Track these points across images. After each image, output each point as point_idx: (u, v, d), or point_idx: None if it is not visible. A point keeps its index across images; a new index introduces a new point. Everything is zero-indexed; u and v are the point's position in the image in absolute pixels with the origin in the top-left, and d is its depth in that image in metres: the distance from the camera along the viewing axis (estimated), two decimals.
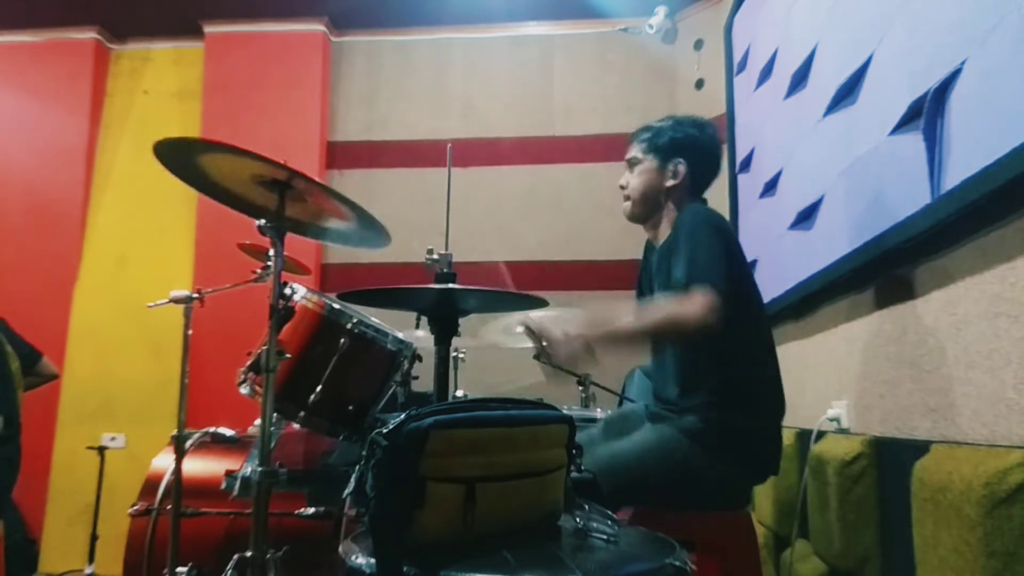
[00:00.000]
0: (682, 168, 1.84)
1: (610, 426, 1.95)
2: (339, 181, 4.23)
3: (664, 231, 1.89)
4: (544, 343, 1.65)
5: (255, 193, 1.54)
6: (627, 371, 2.91)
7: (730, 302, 1.58)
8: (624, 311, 1.69)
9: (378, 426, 1.02)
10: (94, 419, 4.01)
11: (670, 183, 1.85)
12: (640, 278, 2.02)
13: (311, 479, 2.04)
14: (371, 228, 1.67)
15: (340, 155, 4.29)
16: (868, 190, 1.82)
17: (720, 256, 1.65)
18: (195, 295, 2.09)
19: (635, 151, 1.91)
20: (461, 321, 1.79)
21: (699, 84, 3.98)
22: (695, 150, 1.85)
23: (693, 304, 1.55)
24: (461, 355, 2.77)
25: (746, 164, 3.25)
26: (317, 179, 1.49)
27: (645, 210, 1.90)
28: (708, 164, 1.89)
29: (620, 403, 2.71)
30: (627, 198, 1.92)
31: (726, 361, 1.70)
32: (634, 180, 1.90)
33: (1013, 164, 1.13)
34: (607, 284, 3.90)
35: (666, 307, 1.61)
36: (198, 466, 2.04)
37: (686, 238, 1.68)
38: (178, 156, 1.49)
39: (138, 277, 4.16)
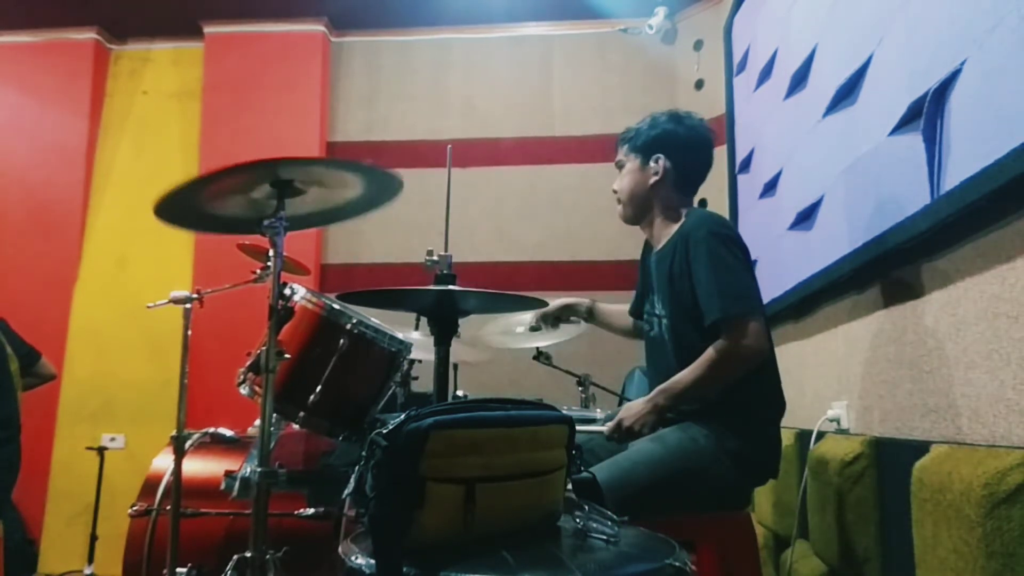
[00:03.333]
0: (663, 163, 1.85)
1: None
2: None
3: (660, 231, 1.89)
4: (621, 432, 1.70)
5: (259, 207, 1.53)
6: (627, 371, 2.91)
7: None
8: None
9: (378, 426, 1.02)
10: (94, 419, 4.01)
11: (653, 179, 1.86)
12: (640, 279, 2.03)
13: (311, 480, 2.04)
14: (379, 182, 1.59)
15: (340, 155, 4.28)
16: (868, 190, 1.82)
17: (745, 276, 1.68)
18: (195, 295, 2.09)
19: (620, 154, 1.94)
20: (461, 322, 1.79)
21: (699, 84, 3.98)
22: (672, 144, 1.86)
23: (743, 339, 1.60)
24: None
25: (746, 164, 3.25)
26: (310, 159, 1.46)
27: (636, 210, 1.92)
28: (691, 156, 1.88)
29: (620, 403, 2.71)
30: (619, 201, 1.95)
31: None
32: (622, 182, 1.93)
33: (1013, 164, 1.13)
34: (607, 284, 3.90)
35: (713, 355, 1.62)
36: (198, 466, 2.03)
37: (706, 262, 1.66)
38: (178, 208, 1.50)
39: (138, 277, 4.16)
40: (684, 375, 1.66)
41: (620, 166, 1.94)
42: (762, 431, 1.72)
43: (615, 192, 1.96)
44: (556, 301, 2.17)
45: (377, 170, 1.52)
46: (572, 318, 2.21)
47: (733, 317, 1.61)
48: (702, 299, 1.66)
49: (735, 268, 1.67)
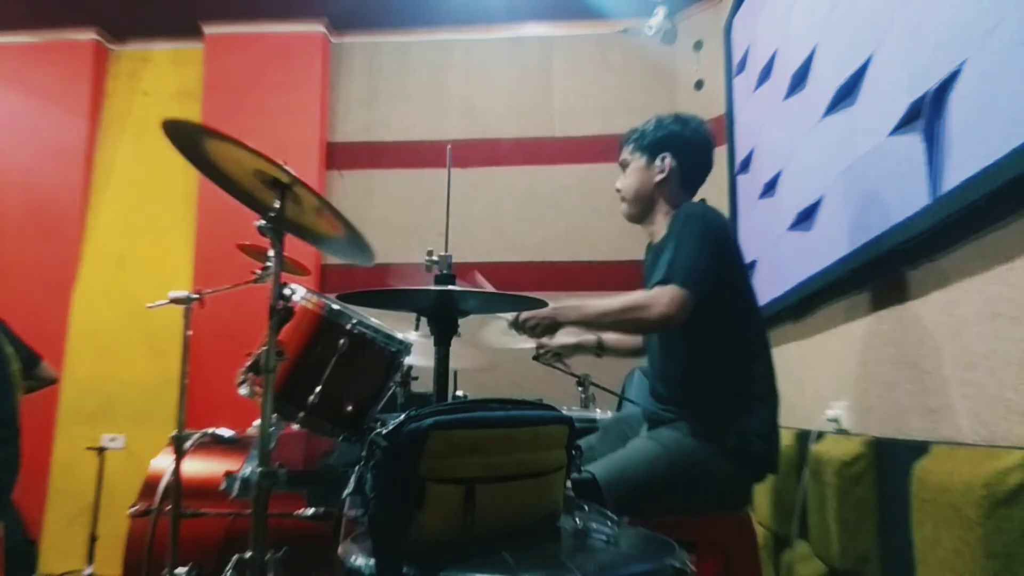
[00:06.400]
0: (668, 161, 1.89)
1: (607, 433, 1.95)
2: (339, 181, 4.23)
3: (660, 229, 1.91)
4: (518, 321, 1.79)
5: (257, 187, 1.55)
6: (627, 372, 2.91)
7: (713, 303, 1.65)
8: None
9: (378, 427, 1.02)
10: (94, 420, 4.00)
11: (659, 178, 1.91)
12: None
13: (311, 480, 2.04)
14: (357, 244, 1.68)
15: (340, 156, 4.29)
16: (867, 191, 1.82)
17: (703, 256, 1.69)
18: (195, 296, 2.09)
19: (625, 153, 1.99)
20: (460, 322, 1.79)
21: (699, 85, 3.98)
22: (679, 143, 1.91)
23: (658, 298, 1.63)
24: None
25: (745, 165, 3.25)
26: (315, 183, 1.49)
27: (639, 208, 1.95)
28: (695, 156, 1.93)
29: (620, 404, 2.72)
30: (623, 199, 1.98)
31: (721, 360, 1.72)
32: (626, 181, 1.97)
33: (1013, 164, 1.13)
34: (606, 284, 3.90)
35: (632, 296, 1.68)
36: (197, 467, 2.03)
37: (675, 236, 1.72)
38: (186, 139, 1.51)
39: (138, 278, 4.16)
40: (597, 301, 1.74)
41: (624, 165, 1.98)
42: (758, 426, 1.72)
43: (618, 191, 1.99)
44: (561, 339, 2.21)
45: (358, 236, 1.59)
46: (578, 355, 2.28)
47: (666, 281, 1.65)
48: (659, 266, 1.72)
49: (696, 246, 1.69)
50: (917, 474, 1.36)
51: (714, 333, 1.70)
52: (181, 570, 1.84)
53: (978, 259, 1.31)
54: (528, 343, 2.58)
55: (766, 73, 2.85)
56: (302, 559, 1.58)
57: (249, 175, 1.52)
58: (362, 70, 4.38)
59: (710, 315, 1.68)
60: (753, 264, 2.91)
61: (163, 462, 2.06)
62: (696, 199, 1.99)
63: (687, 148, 1.91)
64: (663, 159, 1.90)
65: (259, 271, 1.77)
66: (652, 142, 1.92)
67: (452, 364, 1.69)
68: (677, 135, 1.91)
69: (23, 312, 3.53)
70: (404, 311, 1.89)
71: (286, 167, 1.42)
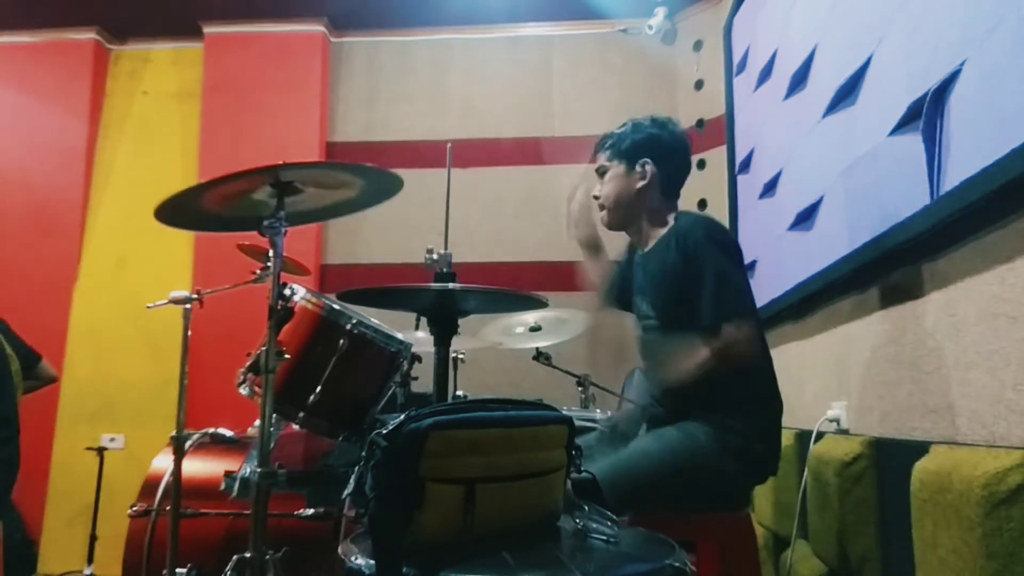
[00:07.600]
0: (649, 168, 1.84)
1: (607, 433, 1.95)
2: None
3: (649, 234, 1.88)
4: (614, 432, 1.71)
5: (258, 207, 1.54)
6: (627, 372, 2.91)
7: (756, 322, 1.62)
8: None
9: (377, 427, 1.02)
10: (93, 420, 4.00)
11: (640, 184, 1.85)
12: (618, 274, 2.02)
13: (311, 480, 2.04)
14: (378, 181, 1.61)
15: (340, 155, 4.29)
16: (867, 191, 1.82)
17: (738, 279, 1.68)
18: (194, 296, 2.08)
19: (602, 159, 1.92)
20: (461, 321, 1.80)
21: (698, 85, 3.98)
22: (658, 148, 1.85)
23: (726, 341, 1.59)
24: (461, 355, 2.77)
25: (745, 165, 3.25)
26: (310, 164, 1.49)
27: (621, 216, 1.90)
28: (675, 160, 1.88)
29: (620, 404, 2.71)
30: (602, 207, 1.92)
31: None
32: (606, 188, 1.90)
33: (1013, 165, 1.13)
34: None
35: (702, 352, 1.61)
36: (197, 467, 2.03)
37: (703, 266, 1.65)
38: (178, 211, 1.52)
39: (138, 278, 4.16)
40: (669, 368, 1.67)
41: (602, 172, 1.92)
42: (762, 428, 1.72)
43: (597, 199, 1.93)
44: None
45: (376, 171, 1.53)
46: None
47: (722, 321, 1.61)
48: (699, 302, 1.66)
49: (729, 272, 1.66)
50: (917, 474, 1.36)
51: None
52: (181, 570, 1.83)
53: (978, 259, 1.31)
54: (527, 344, 2.58)
55: (766, 73, 2.85)
56: (302, 559, 1.58)
57: (248, 200, 1.52)
58: (362, 70, 4.38)
59: None
60: (753, 264, 2.91)
61: (163, 462, 2.05)
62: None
63: (667, 153, 1.85)
64: (643, 165, 1.84)
65: (259, 271, 1.76)
66: (630, 147, 1.86)
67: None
68: (656, 139, 1.85)
69: (23, 312, 3.53)
70: (404, 311, 1.90)
71: (278, 164, 1.41)
